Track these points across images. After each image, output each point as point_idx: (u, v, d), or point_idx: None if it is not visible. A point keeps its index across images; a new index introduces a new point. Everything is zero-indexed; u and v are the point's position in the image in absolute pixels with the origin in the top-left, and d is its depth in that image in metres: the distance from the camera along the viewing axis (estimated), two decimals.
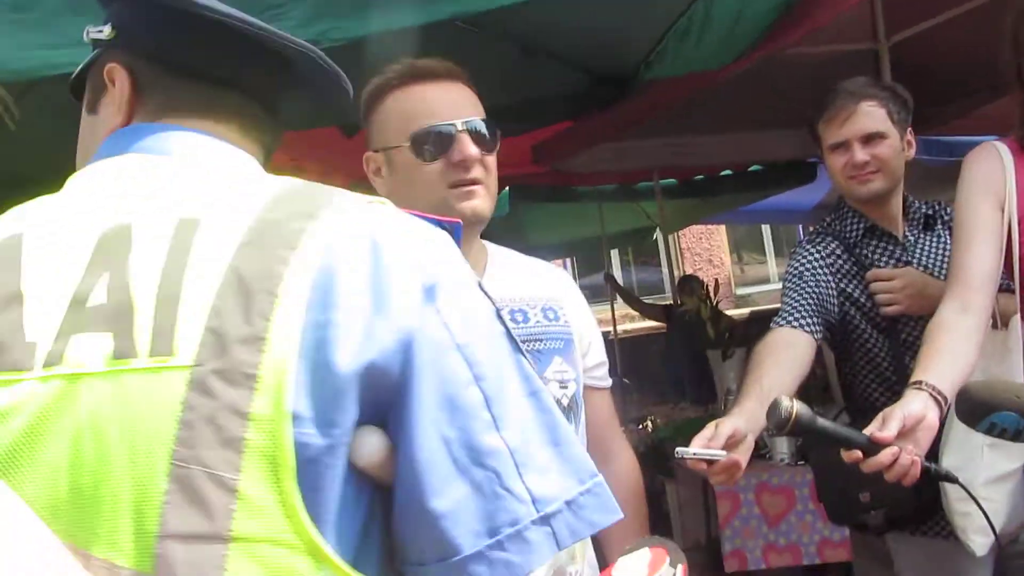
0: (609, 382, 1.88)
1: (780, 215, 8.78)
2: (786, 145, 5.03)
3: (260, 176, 0.97)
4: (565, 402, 1.68)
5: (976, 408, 1.46)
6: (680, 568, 1.07)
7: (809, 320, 2.11)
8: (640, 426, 5.11)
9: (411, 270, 0.85)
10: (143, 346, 0.79)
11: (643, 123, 4.11)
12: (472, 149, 1.61)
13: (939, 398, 1.69)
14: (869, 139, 2.19)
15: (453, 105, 1.64)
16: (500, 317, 0.90)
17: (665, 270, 9.11)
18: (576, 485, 0.87)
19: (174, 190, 0.91)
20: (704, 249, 13.43)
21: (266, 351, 0.78)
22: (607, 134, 4.33)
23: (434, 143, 1.62)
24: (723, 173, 6.39)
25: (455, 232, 0.96)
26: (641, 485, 1.89)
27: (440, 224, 0.95)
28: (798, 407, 1.60)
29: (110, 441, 0.77)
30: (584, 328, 1.80)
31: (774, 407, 1.63)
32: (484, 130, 1.64)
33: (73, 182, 0.97)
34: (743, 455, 1.78)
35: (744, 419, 1.79)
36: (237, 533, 0.76)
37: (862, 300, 2.22)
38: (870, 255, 2.26)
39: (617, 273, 12.24)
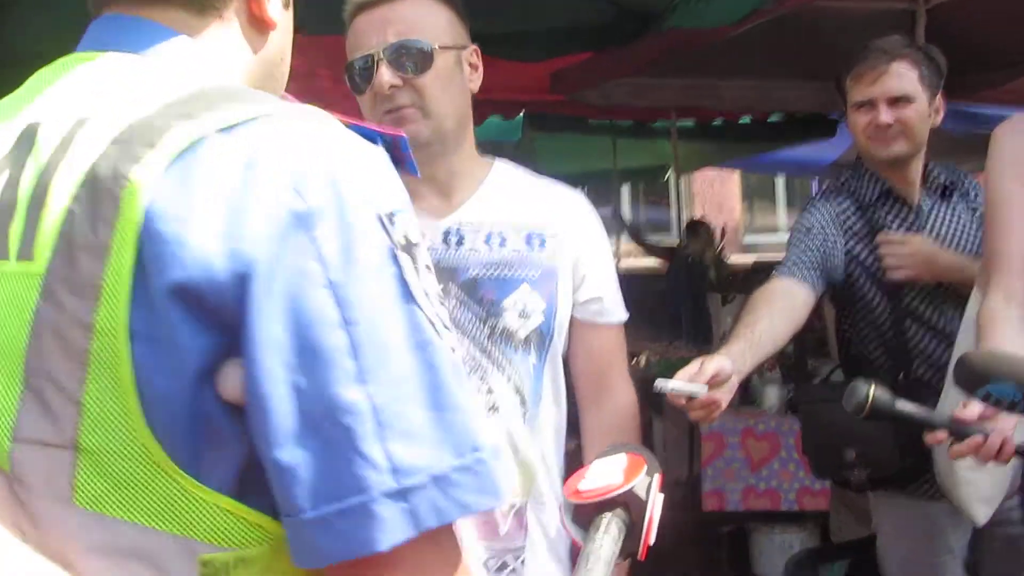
0: (613, 317, 1.81)
1: (795, 167, 8.73)
2: (809, 97, 4.98)
3: (196, 76, 0.87)
4: (523, 334, 1.65)
5: (974, 377, 1.45)
6: (656, 478, 1.03)
7: (811, 273, 2.12)
8: (632, 361, 5.15)
9: (283, 192, 0.74)
10: (13, 249, 0.79)
11: (665, 62, 4.07)
12: (386, 77, 1.58)
13: None
14: (896, 101, 2.17)
15: (379, 30, 1.61)
16: (396, 257, 0.77)
17: (674, 211, 9.07)
18: (451, 458, 0.74)
19: (95, 87, 0.85)
20: (715, 194, 13.36)
21: (109, 261, 0.74)
22: (627, 69, 4.28)
23: (359, 76, 1.63)
24: (742, 120, 6.33)
25: (401, 145, 0.89)
26: (637, 426, 1.84)
27: (382, 137, 0.87)
28: (876, 390, 1.57)
29: None
30: (581, 259, 1.74)
31: (852, 389, 1.60)
32: (412, 50, 1.59)
33: (35, 76, 0.92)
34: (725, 395, 1.79)
35: (731, 360, 1.81)
36: (84, 444, 0.76)
37: (869, 262, 2.23)
38: (883, 218, 2.26)
39: (626, 209, 12.20)
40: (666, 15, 3.66)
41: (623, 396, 1.83)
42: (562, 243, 1.72)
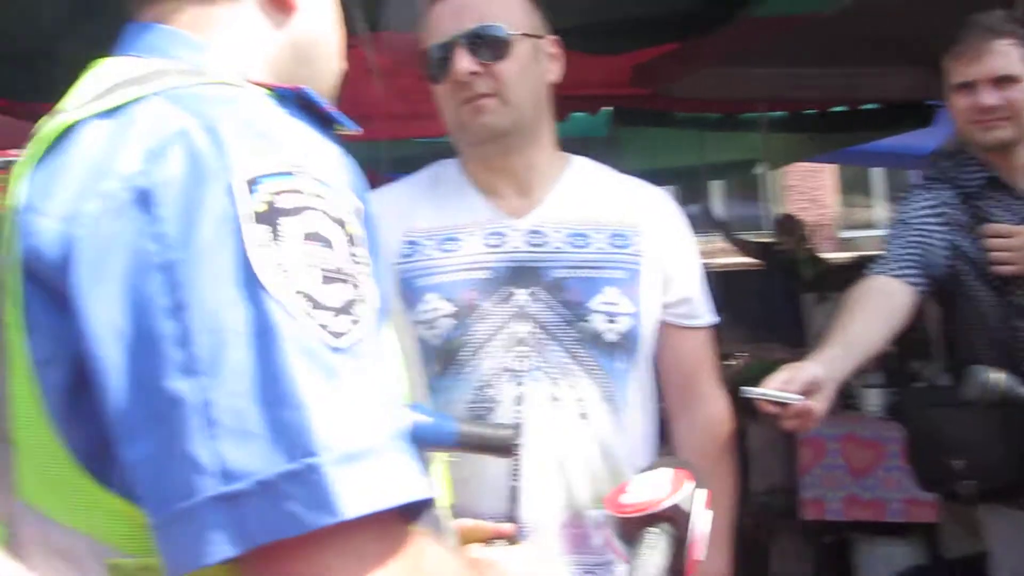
0: (702, 320, 1.73)
1: (893, 159, 8.39)
2: (905, 84, 4.76)
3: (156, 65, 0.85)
4: (612, 337, 1.58)
5: None
6: (703, 492, 0.99)
7: (910, 271, 1.99)
8: (727, 362, 5.00)
9: (132, 168, 0.72)
10: None
11: (753, 51, 3.93)
12: (465, 63, 1.54)
13: None
14: (1000, 82, 2.02)
15: (455, 15, 1.57)
16: (239, 231, 0.68)
17: (771, 207, 8.87)
18: (282, 462, 0.65)
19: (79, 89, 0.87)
20: (809, 188, 13.03)
21: (12, 249, 0.76)
22: (713, 59, 4.14)
23: (436, 64, 1.59)
24: (834, 109, 6.09)
25: (294, 98, 0.83)
26: (728, 435, 1.76)
27: (281, 91, 0.83)
28: (1001, 378, 1.48)
29: None
30: (668, 259, 1.67)
31: (972, 376, 1.51)
32: (488, 35, 1.55)
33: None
34: (820, 403, 1.69)
35: (825, 366, 1.71)
36: (16, 439, 0.76)
37: (974, 255, 2.07)
38: (988, 208, 2.10)
39: (716, 206, 11.97)
40: (753, 2, 3.53)
41: (714, 402, 1.75)
42: (647, 243, 1.65)
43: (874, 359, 2.37)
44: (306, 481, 0.64)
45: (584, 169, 1.73)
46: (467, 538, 1.09)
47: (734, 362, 5.02)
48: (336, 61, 1.02)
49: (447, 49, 1.56)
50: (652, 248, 1.65)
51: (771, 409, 1.66)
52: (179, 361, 0.66)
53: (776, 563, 3.90)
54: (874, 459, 3.52)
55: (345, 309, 0.70)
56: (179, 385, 0.66)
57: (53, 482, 0.74)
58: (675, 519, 0.95)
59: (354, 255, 0.73)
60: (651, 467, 1.04)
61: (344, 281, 0.71)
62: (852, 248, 11.49)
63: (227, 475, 0.64)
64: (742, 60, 4.16)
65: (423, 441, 0.96)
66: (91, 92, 0.81)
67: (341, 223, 0.73)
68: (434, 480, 1.09)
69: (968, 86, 2.04)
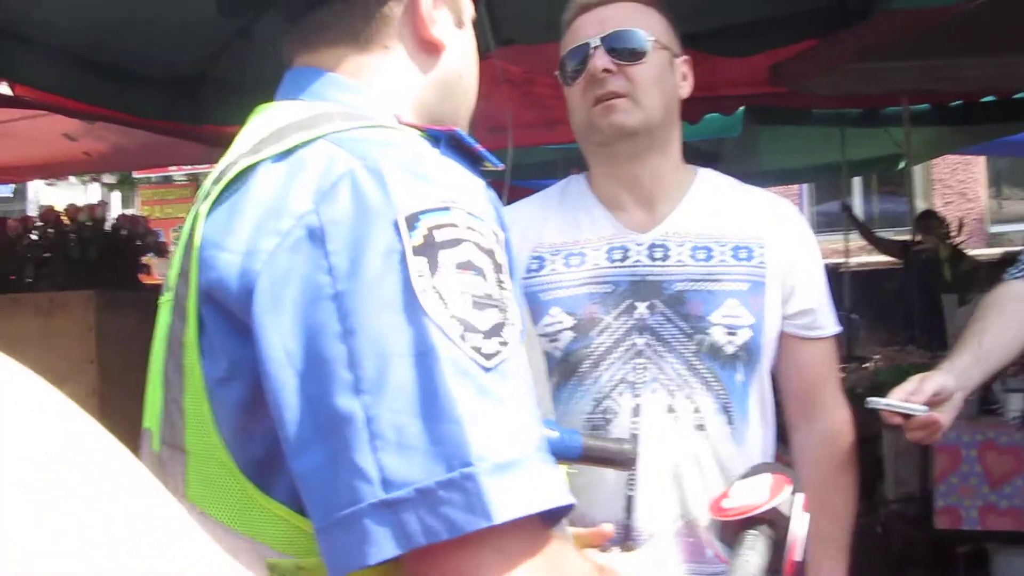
0: (826, 331, 1.72)
1: None
2: None
3: (324, 108, 0.94)
4: (731, 349, 1.59)
5: None
6: (801, 497, 1.04)
7: None
8: (863, 365, 4.88)
9: (303, 208, 0.79)
10: (169, 282, 0.92)
11: (895, 43, 3.81)
12: (602, 61, 1.59)
13: None
14: None
15: (597, 23, 1.63)
16: (404, 262, 0.75)
17: (916, 201, 8.53)
18: (441, 472, 0.71)
19: (250, 133, 0.95)
20: (958, 181, 12.46)
21: (189, 283, 0.85)
22: (853, 55, 4.04)
23: (572, 65, 1.64)
24: (984, 99, 5.83)
25: (447, 139, 0.89)
26: (850, 447, 1.74)
27: (434, 133, 0.89)
28: None
29: (155, 355, 0.93)
30: (791, 270, 1.67)
31: None
32: (627, 39, 1.60)
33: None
34: (947, 414, 1.65)
35: (954, 376, 1.66)
36: (187, 447, 0.85)
37: None
38: None
39: (858, 203, 11.60)
40: None
41: (836, 413, 1.74)
42: (771, 254, 1.66)
43: (1015, 363, 2.30)
44: (462, 488, 0.70)
45: (710, 181, 1.74)
46: (577, 544, 1.14)
47: (868, 365, 4.89)
48: (474, 94, 1.10)
49: (584, 51, 1.62)
50: (776, 260, 1.66)
51: (895, 420, 1.62)
52: (348, 381, 0.73)
53: (910, 573, 3.79)
54: (1014, 466, 3.38)
55: (495, 332, 0.77)
56: (347, 403, 0.73)
57: (219, 488, 0.82)
58: (774, 522, 1.01)
59: (501, 281, 0.80)
60: (752, 473, 1.09)
61: (493, 306, 0.78)
62: (1004, 243, 10.96)
63: (389, 483, 0.71)
64: (880, 54, 4.04)
65: (551, 453, 1.03)
66: (261, 136, 0.90)
67: (490, 253, 0.80)
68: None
69: None
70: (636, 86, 1.60)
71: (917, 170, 12.05)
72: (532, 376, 1.05)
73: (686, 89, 1.71)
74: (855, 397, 1.82)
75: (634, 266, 1.64)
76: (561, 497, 0.76)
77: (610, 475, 1.54)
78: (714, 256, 1.64)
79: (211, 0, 2.74)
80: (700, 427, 1.58)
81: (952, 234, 4.92)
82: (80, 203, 3.72)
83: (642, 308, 1.61)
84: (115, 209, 9.87)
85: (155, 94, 3.54)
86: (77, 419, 0.46)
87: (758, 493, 1.03)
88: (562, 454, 1.04)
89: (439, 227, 0.77)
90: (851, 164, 7.83)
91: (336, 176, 0.80)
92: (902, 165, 7.65)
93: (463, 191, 0.82)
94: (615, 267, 1.64)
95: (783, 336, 1.68)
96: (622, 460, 1.13)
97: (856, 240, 7.97)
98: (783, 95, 5.22)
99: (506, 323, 0.78)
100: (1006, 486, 3.43)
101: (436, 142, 0.89)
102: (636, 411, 1.57)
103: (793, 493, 1.04)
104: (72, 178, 11.53)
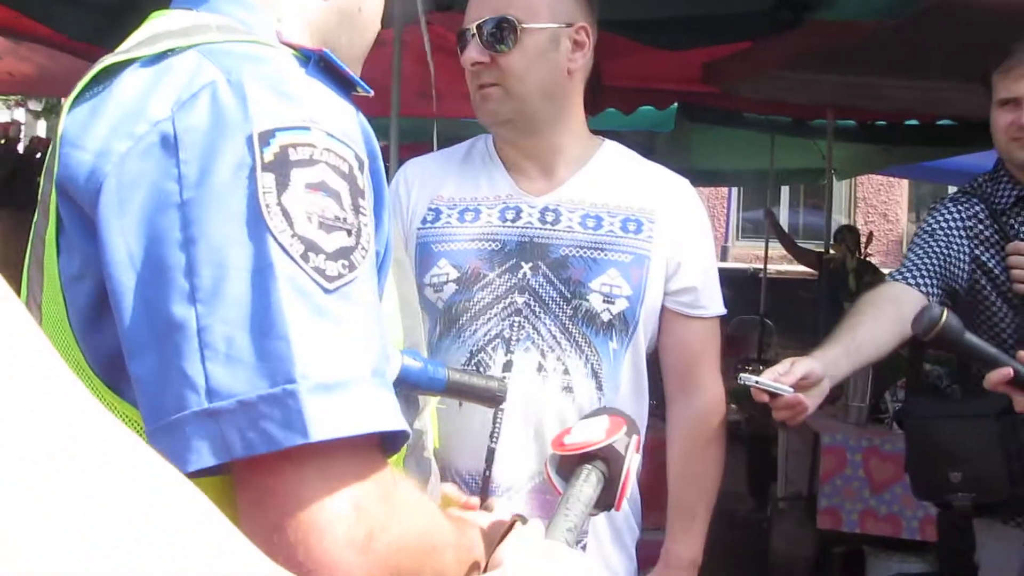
0: (708, 311, 1.75)
1: (969, 177, 8.23)
2: (981, 101, 4.66)
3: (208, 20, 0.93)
4: (605, 318, 1.62)
5: None
6: (635, 439, 1.11)
7: (927, 280, 1.98)
8: (764, 368, 4.98)
9: (160, 114, 0.79)
10: None
11: (821, 56, 3.89)
12: (473, 52, 1.61)
13: None
14: None
15: (479, 6, 1.64)
16: (253, 176, 0.74)
17: (836, 217, 8.76)
18: (264, 387, 0.71)
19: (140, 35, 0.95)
20: (881, 202, 12.79)
21: (52, 176, 0.84)
22: (779, 61, 4.11)
23: (460, 49, 1.66)
24: (908, 122, 5.99)
25: (320, 59, 0.88)
26: (721, 423, 1.80)
27: (305, 52, 0.89)
28: (948, 316, 1.51)
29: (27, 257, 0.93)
30: (678, 247, 1.70)
31: (923, 311, 1.54)
32: (498, 27, 1.60)
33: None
34: (813, 399, 1.71)
35: (823, 363, 1.72)
36: None
37: (996, 271, 2.06)
38: (1017, 227, 2.08)
39: (784, 213, 11.85)
40: (821, 4, 3.50)
41: (711, 391, 1.78)
42: (660, 230, 1.69)
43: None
44: (283, 405, 0.70)
45: (613, 153, 1.77)
46: (443, 503, 1.15)
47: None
48: (373, 30, 1.09)
49: (464, 37, 1.64)
50: (664, 236, 1.69)
51: (763, 398, 1.67)
52: (184, 289, 0.73)
53: (791, 567, 3.89)
54: (895, 474, 3.48)
55: (341, 254, 0.76)
56: (182, 311, 0.72)
57: None
58: (608, 459, 1.07)
59: (358, 207, 0.79)
60: (593, 415, 1.16)
61: (343, 230, 0.77)
62: None
63: (213, 393, 0.71)
64: (809, 64, 4.12)
65: (413, 383, 1.03)
66: (138, 39, 0.89)
67: (349, 177, 0.79)
68: (424, 422, 1.15)
69: (1010, 102, 2.02)
70: (506, 75, 1.62)
71: (842, 187, 12.38)
72: (401, 307, 1.06)
73: (577, 60, 1.69)
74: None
75: (525, 227, 1.67)
76: (389, 422, 0.75)
77: (475, 425, 1.56)
78: (603, 226, 1.66)
79: None
80: (567, 389, 1.61)
81: (862, 248, 5.05)
82: None
83: (526, 268, 1.64)
84: (41, 135, 9.60)
85: (83, 15, 3.44)
86: (80, 411, 0.45)
87: (595, 431, 1.08)
88: (426, 385, 1.05)
89: (295, 145, 0.77)
90: (779, 172, 7.99)
91: (198, 87, 0.79)
92: (825, 180, 7.84)
93: (326, 112, 0.81)
94: (506, 226, 1.67)
95: (665, 311, 1.71)
96: (489, 396, 1.15)
97: (777, 248, 8.14)
98: (717, 95, 5.30)
99: (356, 248, 0.78)
100: (886, 492, 3.54)
101: (307, 62, 0.88)
102: (507, 366, 1.59)
103: (627, 434, 1.09)
104: None
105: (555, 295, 1.62)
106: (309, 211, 0.75)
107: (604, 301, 1.62)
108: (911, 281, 1.98)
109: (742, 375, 1.68)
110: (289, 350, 0.71)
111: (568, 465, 1.08)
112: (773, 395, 1.65)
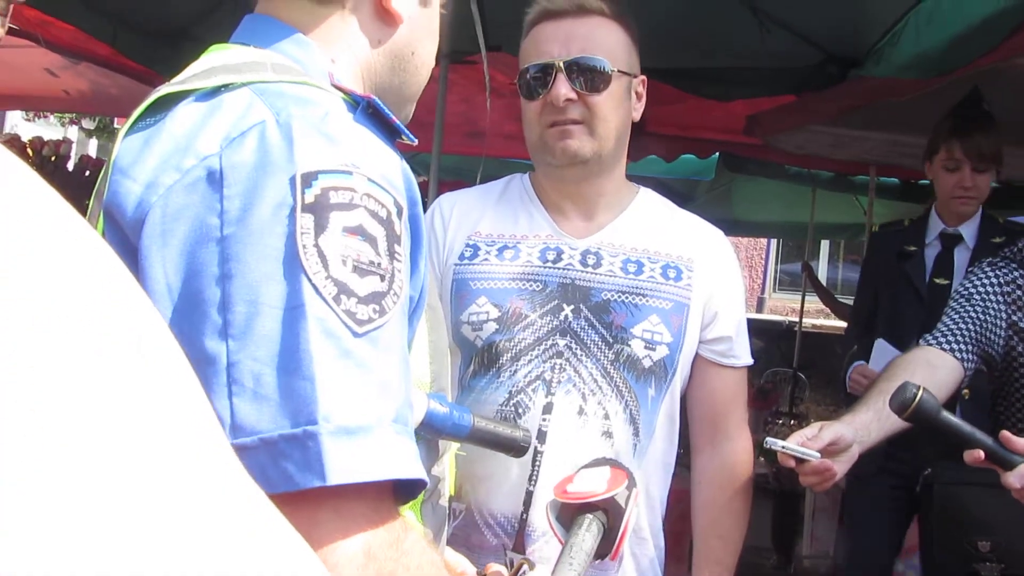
0: (740, 360, 1.77)
1: None
2: (1020, 165, 4.63)
3: (267, 56, 0.95)
4: (646, 364, 1.62)
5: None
6: (634, 492, 1.15)
7: (962, 346, 1.96)
8: (795, 422, 4.93)
9: (209, 149, 0.80)
10: None
11: (866, 114, 3.88)
12: (562, 89, 1.60)
13: None
14: None
15: (564, 42, 1.63)
16: (293, 217, 0.76)
17: None
18: (286, 426, 0.72)
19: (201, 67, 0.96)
20: None
21: (102, 198, 0.87)
22: (827, 116, 4.11)
23: (533, 82, 1.64)
24: None
25: (368, 105, 0.90)
26: (748, 475, 1.80)
27: (355, 98, 0.90)
28: (924, 394, 1.50)
29: None
30: (714, 297, 1.72)
31: (900, 388, 1.54)
32: (592, 68, 1.60)
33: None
34: (842, 464, 1.69)
35: (853, 428, 1.70)
36: None
37: None
38: None
39: (823, 266, 11.75)
40: (868, 61, 3.50)
41: (739, 442, 1.79)
42: (698, 278, 1.70)
43: None
44: (303, 445, 0.71)
45: (650, 201, 1.78)
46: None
47: (804, 423, 4.95)
48: (426, 74, 1.11)
49: (547, 71, 1.62)
50: (702, 285, 1.70)
51: (789, 463, 1.65)
52: (217, 324, 0.74)
53: None
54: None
55: (372, 299, 0.77)
56: (213, 345, 0.74)
57: None
58: (609, 510, 1.10)
59: (393, 253, 0.80)
60: (594, 464, 1.20)
61: (377, 274, 0.78)
62: None
63: (237, 429, 0.72)
64: (853, 121, 4.11)
65: (437, 428, 1.04)
66: (194, 71, 0.92)
67: (386, 223, 0.80)
68: (443, 468, 1.15)
69: None
70: (595, 116, 1.63)
71: None
72: (431, 352, 1.07)
73: (639, 111, 1.74)
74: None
75: (566, 269, 1.67)
76: (406, 470, 0.76)
77: (514, 469, 1.56)
78: (644, 271, 1.67)
79: None
80: (607, 434, 1.61)
81: None
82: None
83: (568, 311, 1.63)
84: (91, 154, 9.77)
85: (142, 40, 3.54)
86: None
87: (598, 482, 1.12)
88: (450, 431, 1.06)
89: (336, 188, 0.78)
90: (819, 226, 7.94)
91: (248, 125, 0.81)
92: (865, 236, 7.77)
93: (369, 158, 0.83)
94: (547, 267, 1.67)
95: (698, 359, 1.72)
96: (512, 446, 1.16)
97: (814, 302, 8.05)
98: (758, 147, 5.29)
99: (388, 293, 0.79)
100: (913, 556, 3.46)
101: (355, 107, 0.91)
102: (548, 408, 1.59)
103: (628, 488, 1.13)
104: (52, 119, 11.39)
105: (597, 339, 1.62)
106: (344, 254, 0.76)
107: (646, 347, 1.62)
108: (945, 347, 1.96)
109: (768, 439, 1.67)
110: (314, 391, 0.73)
111: (568, 512, 1.11)
112: (800, 460, 1.64)
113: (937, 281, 3.00)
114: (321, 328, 0.74)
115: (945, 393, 1.91)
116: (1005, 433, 1.53)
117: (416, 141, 0.98)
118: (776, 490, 4.68)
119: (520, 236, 1.71)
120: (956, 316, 2.02)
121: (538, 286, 1.65)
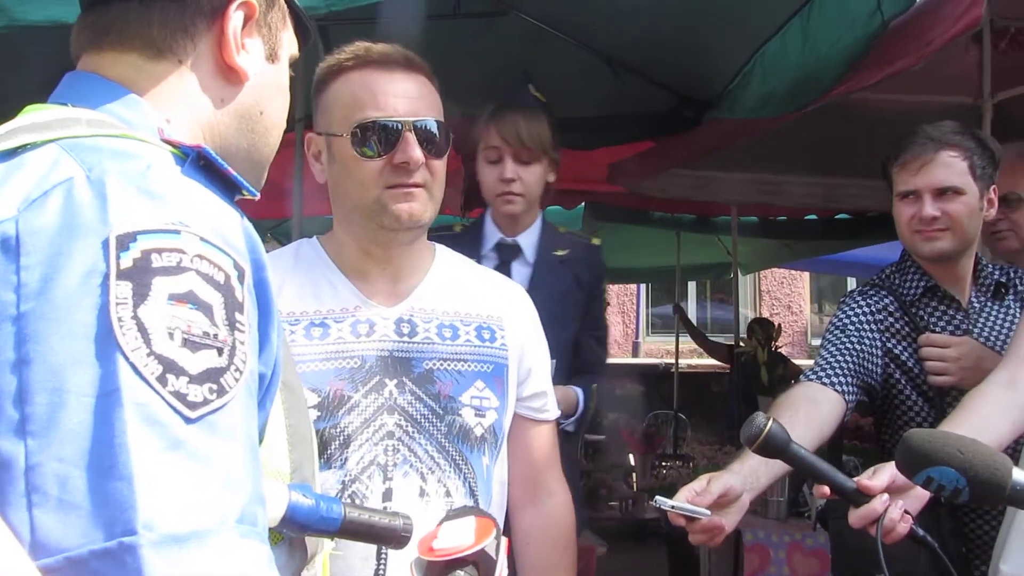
0: (551, 414, 1.72)
1: (867, 269, 8.47)
2: (877, 195, 4.80)
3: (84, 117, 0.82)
4: (478, 432, 1.54)
5: (914, 459, 1.26)
6: (504, 541, 1.08)
7: (842, 379, 1.95)
8: (681, 464, 4.95)
9: (4, 214, 0.69)
10: None
11: (723, 155, 3.96)
12: (416, 152, 1.50)
13: None
14: (942, 193, 2.00)
15: (405, 99, 1.53)
16: (105, 286, 0.65)
17: (743, 310, 8.94)
18: (98, 539, 0.60)
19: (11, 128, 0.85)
20: (784, 294, 13.11)
21: None
22: (686, 159, 4.18)
23: (377, 139, 1.51)
24: (808, 217, 6.16)
25: (199, 156, 0.78)
26: (572, 529, 1.75)
27: (184, 150, 0.79)
28: (773, 426, 1.46)
29: None
30: (526, 354, 1.65)
31: (749, 420, 1.48)
32: (435, 131, 1.53)
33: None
34: (732, 516, 1.63)
35: (741, 477, 1.65)
36: None
37: (910, 364, 2.04)
38: (927, 317, 2.08)
39: (692, 307, 12.03)
40: (723, 105, 3.58)
41: (559, 496, 1.75)
42: (510, 336, 1.64)
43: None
44: (119, 562, 0.60)
45: (447, 258, 1.70)
46: None
47: (691, 464, 4.97)
48: (277, 136, 1.01)
49: (394, 129, 1.51)
50: (514, 342, 1.64)
51: (679, 522, 1.59)
52: (13, 420, 0.62)
53: None
54: (819, 569, 3.44)
55: (208, 377, 0.66)
56: (8, 446, 0.62)
57: None
58: (479, 563, 1.02)
59: (234, 322, 0.69)
60: (456, 515, 1.10)
61: (213, 348, 0.67)
62: None
63: (39, 548, 0.60)
64: (711, 163, 4.20)
65: (302, 523, 0.92)
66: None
67: (224, 288, 0.70)
68: (315, 571, 1.03)
69: (911, 195, 2.03)
70: (436, 180, 1.56)
71: (747, 281, 12.68)
72: (290, 437, 0.95)
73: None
74: (671, 494, 1.69)
75: (381, 341, 1.55)
76: None
77: (355, 563, 1.38)
78: (460, 335, 1.59)
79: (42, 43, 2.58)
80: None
81: (773, 341, 5.11)
82: None
83: (391, 386, 1.52)
84: None
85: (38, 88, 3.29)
86: None
87: (465, 534, 1.04)
88: (319, 525, 0.95)
89: (159, 251, 0.67)
90: (685, 268, 8.13)
91: (51, 184, 0.70)
92: (732, 275, 8.00)
93: (201, 215, 0.72)
94: (360, 341, 1.55)
95: (515, 418, 1.65)
96: (392, 536, 1.05)
97: (688, 342, 8.20)
98: (623, 195, 5.36)
99: (228, 368, 0.68)
100: None
101: (184, 160, 0.80)
102: (387, 495, 1.47)
103: (496, 537, 1.06)
104: None
105: (427, 412, 1.52)
106: (171, 326, 0.65)
107: (476, 415, 1.54)
108: (825, 380, 1.95)
109: (657, 497, 1.59)
110: (132, 494, 0.61)
111: (436, 570, 1.03)
112: (690, 519, 1.58)
113: None
114: (142, 416, 0.63)
115: (829, 428, 1.90)
116: (862, 482, 1.50)
117: (257, 195, 0.88)
118: (668, 533, 4.65)
119: (326, 311, 1.56)
120: (833, 349, 2.01)
121: (356, 362, 1.52)
